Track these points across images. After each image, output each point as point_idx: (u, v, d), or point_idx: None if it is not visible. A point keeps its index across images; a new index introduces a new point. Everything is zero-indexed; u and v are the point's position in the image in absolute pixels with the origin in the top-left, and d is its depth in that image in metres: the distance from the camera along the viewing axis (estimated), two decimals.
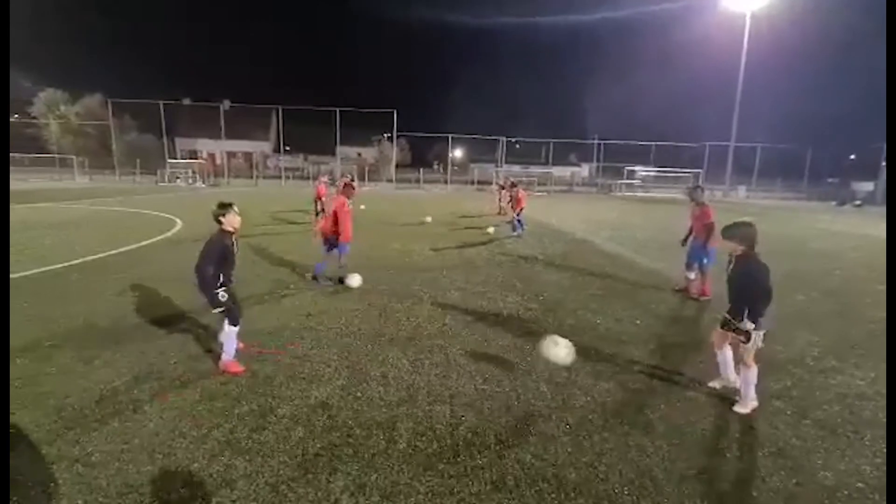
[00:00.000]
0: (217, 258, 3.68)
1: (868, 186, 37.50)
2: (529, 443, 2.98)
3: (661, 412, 3.40)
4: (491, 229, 12.60)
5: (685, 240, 6.76)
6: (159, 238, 10.02)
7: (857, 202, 31.35)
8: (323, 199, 12.11)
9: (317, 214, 12.05)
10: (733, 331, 3.46)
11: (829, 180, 41.56)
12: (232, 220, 3.85)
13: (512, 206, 13.72)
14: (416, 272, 7.66)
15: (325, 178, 13.30)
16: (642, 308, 6.11)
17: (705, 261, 6.42)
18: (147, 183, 34.27)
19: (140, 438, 2.89)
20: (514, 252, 9.76)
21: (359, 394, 3.57)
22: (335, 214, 6.39)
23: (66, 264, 7.46)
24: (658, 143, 43.32)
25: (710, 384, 3.81)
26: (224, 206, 3.87)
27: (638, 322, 5.51)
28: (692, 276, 6.61)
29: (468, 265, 8.42)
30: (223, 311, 3.77)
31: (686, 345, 4.82)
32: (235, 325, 3.82)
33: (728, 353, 3.69)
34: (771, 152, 42.19)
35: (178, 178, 35.48)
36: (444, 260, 8.87)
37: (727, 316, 3.52)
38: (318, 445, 2.89)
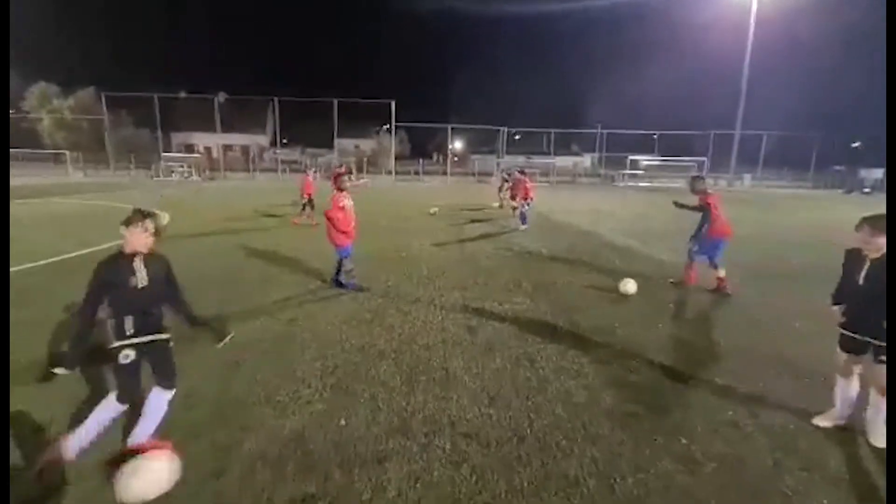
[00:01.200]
0: (93, 294, 2.42)
1: (877, 174, 36.69)
2: (547, 489, 2.42)
3: (704, 442, 2.84)
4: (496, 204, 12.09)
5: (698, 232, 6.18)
6: None
7: (867, 189, 30.60)
8: (312, 193, 11.60)
9: (303, 208, 11.51)
10: (873, 355, 2.76)
11: (836, 168, 40.65)
12: (135, 239, 2.49)
13: (516, 196, 13.12)
14: (413, 270, 7.10)
15: (312, 171, 12.67)
16: (660, 306, 5.55)
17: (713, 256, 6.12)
18: (142, 178, 33.68)
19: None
20: (519, 247, 9.16)
21: (342, 421, 3.02)
22: (329, 218, 5.62)
23: (30, 265, 6.90)
24: (662, 131, 42.41)
25: (818, 421, 3.07)
26: (136, 217, 2.52)
27: (660, 325, 4.94)
28: (721, 272, 6.10)
29: (470, 262, 7.86)
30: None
31: (723, 353, 4.26)
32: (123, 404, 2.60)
33: (856, 385, 2.97)
34: (776, 140, 41.29)
35: (173, 172, 34.86)
36: (446, 256, 8.30)
37: (865, 337, 2.80)
38: (287, 496, 2.34)
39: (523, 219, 11.24)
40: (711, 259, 6.11)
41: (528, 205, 11.22)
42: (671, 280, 6.63)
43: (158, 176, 34.42)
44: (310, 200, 11.51)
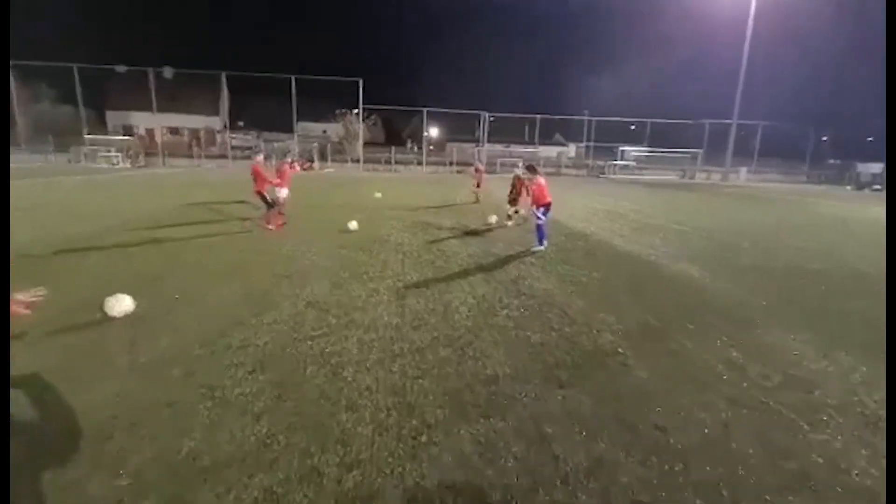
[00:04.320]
0: None
1: (874, 168, 34.88)
2: None
3: None
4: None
5: None
6: None
7: (877, 186, 28.50)
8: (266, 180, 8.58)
9: (267, 206, 8.50)
10: None
11: (831, 161, 38.86)
12: None
13: (517, 199, 9.58)
14: (354, 348, 3.39)
15: (260, 157, 9.12)
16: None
17: None
18: (62, 163, 28.36)
19: None
20: (542, 296, 5.39)
21: None
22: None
23: None
24: (653, 119, 39.52)
25: None
26: None
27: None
28: None
29: (447, 320, 4.17)
30: None
31: None
32: None
33: None
34: (771, 132, 39.07)
35: (101, 157, 29.60)
36: (408, 311, 4.54)
37: None
38: None
39: (541, 236, 7.52)
40: None
41: (543, 214, 7.52)
42: None
43: (80, 161, 29.16)
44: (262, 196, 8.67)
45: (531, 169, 7.85)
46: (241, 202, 11.19)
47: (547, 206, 7.44)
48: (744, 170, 36.06)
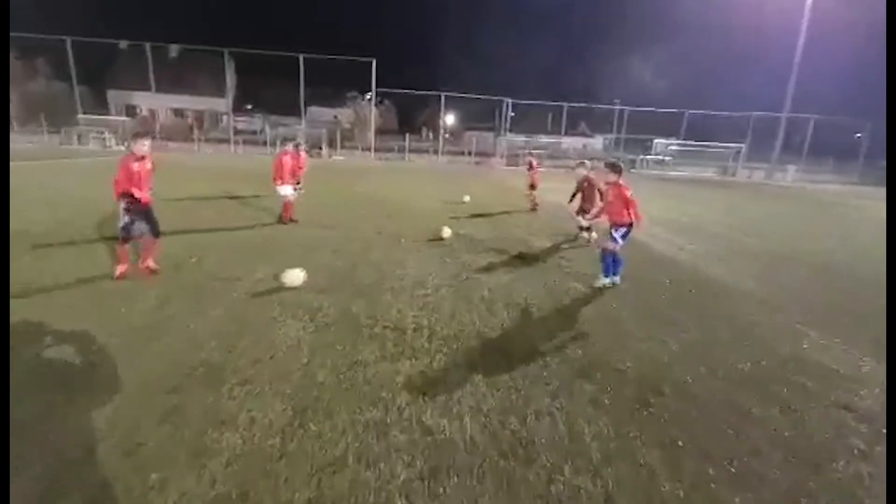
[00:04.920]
0: None
1: None
2: None
3: None
4: (447, 232, 6.94)
5: None
6: None
7: None
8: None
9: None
10: None
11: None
12: None
13: (587, 210, 7.09)
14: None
15: (289, 147, 8.07)
16: None
17: None
18: (52, 145, 26.43)
19: None
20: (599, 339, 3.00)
21: None
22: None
23: None
24: (691, 111, 36.16)
25: None
26: None
27: None
28: None
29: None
30: None
31: None
32: None
33: None
34: (823, 126, 35.45)
35: (92, 138, 27.61)
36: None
37: None
38: None
39: (609, 266, 5.05)
40: None
41: (623, 237, 4.93)
42: None
43: (72, 143, 27.18)
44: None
45: (614, 168, 5.05)
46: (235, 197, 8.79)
47: (629, 226, 4.89)
48: (792, 168, 32.65)
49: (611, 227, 4.99)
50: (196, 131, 31.09)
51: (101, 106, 39.29)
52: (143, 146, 4.51)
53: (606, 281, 5.10)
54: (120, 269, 4.61)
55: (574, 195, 7.58)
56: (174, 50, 43.44)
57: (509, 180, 18.56)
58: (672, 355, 3.54)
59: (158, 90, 34.69)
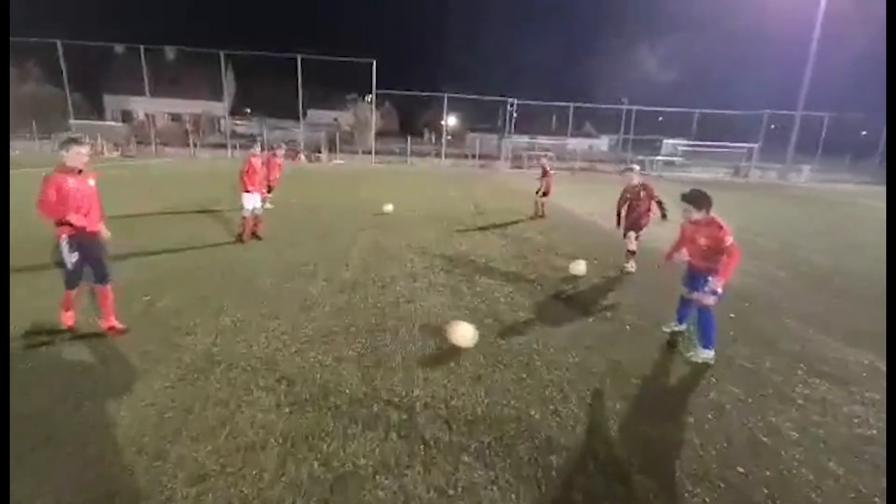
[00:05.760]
0: None
1: None
2: None
3: None
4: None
5: None
6: None
7: None
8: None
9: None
10: None
11: None
12: None
13: (639, 228, 6.04)
14: None
15: (257, 149, 7.04)
16: None
17: None
18: (45, 152, 25.56)
19: None
20: None
21: None
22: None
23: None
24: (702, 110, 35.11)
25: None
26: None
27: None
28: None
29: None
30: None
31: None
32: None
33: None
34: (837, 124, 34.34)
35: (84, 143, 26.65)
36: None
37: None
38: None
39: (708, 330, 3.56)
40: None
41: (719, 291, 3.42)
42: None
43: (64, 149, 26.26)
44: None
45: (695, 200, 3.54)
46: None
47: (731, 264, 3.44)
48: (806, 168, 31.55)
49: (699, 274, 3.57)
50: (192, 136, 30.12)
51: (98, 112, 38.56)
52: (80, 156, 3.50)
53: (707, 355, 3.55)
54: (66, 317, 3.62)
55: (620, 212, 6.21)
56: (171, 52, 42.76)
57: (516, 184, 17.56)
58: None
59: (156, 94, 33.86)
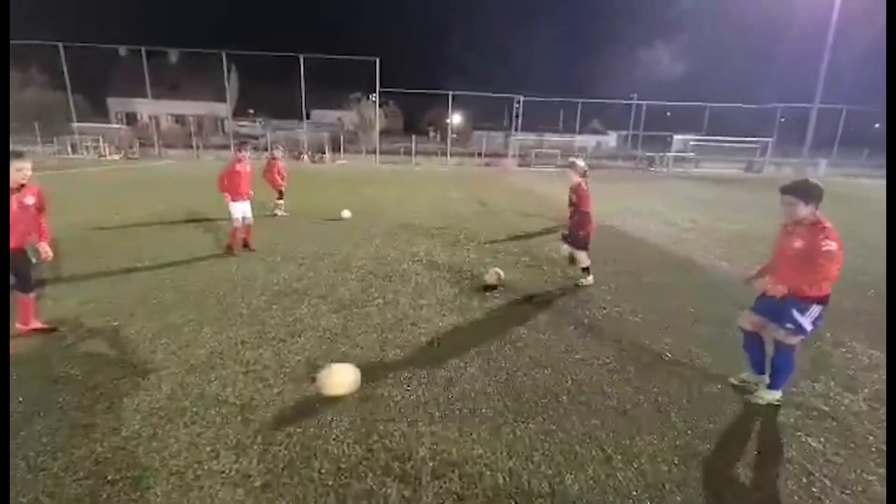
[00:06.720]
0: None
1: None
2: None
3: None
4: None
5: None
6: None
7: None
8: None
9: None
10: None
11: None
12: None
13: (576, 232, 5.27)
14: None
15: (244, 152, 6.45)
16: None
17: None
18: (48, 155, 25.39)
19: None
20: None
21: None
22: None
23: None
24: (712, 104, 34.19)
25: None
26: None
27: None
28: None
29: None
30: None
31: None
32: None
33: None
34: (854, 116, 33.27)
35: (86, 146, 26.54)
36: None
37: None
38: None
39: (783, 373, 2.86)
40: None
41: (813, 320, 2.67)
42: None
43: (68, 153, 26.13)
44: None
45: (809, 193, 2.66)
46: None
47: (824, 300, 2.68)
48: (823, 162, 30.57)
49: (787, 304, 2.71)
50: (195, 138, 29.78)
51: (102, 115, 38.41)
52: (21, 172, 3.11)
53: (774, 396, 2.90)
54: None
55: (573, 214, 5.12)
56: (174, 54, 42.60)
57: (529, 184, 16.95)
58: None
59: (159, 96, 33.62)
